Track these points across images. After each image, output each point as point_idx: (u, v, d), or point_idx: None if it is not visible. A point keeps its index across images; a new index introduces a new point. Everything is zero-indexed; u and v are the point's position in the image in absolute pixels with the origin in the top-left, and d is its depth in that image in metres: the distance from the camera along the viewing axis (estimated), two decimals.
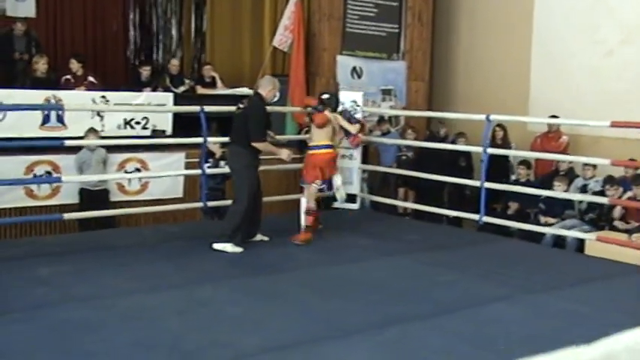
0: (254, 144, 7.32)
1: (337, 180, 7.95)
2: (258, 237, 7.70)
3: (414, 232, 8.49)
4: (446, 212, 9.48)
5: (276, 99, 7.76)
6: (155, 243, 7.61)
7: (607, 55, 10.87)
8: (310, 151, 8.03)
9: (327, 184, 7.95)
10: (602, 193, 8.92)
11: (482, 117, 8.64)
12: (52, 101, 9.31)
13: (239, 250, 7.24)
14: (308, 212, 7.77)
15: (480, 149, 8.73)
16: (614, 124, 7.82)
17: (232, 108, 7.91)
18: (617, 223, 8.82)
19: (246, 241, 7.42)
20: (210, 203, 8.57)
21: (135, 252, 7.19)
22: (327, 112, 8.10)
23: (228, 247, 7.23)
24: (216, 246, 7.25)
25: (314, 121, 8.18)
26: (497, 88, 12.29)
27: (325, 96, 8.38)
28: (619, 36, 10.76)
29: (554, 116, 10.12)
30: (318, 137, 7.99)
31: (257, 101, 7.53)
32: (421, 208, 9.72)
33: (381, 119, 11.49)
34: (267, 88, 7.56)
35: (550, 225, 9.17)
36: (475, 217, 8.64)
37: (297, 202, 8.08)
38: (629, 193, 8.74)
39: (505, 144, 10.61)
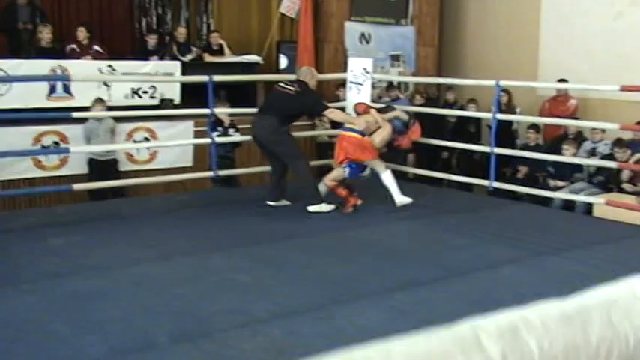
0: (330, 115, 8.03)
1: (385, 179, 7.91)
2: (283, 202, 7.94)
3: (424, 197, 8.47)
4: (456, 178, 9.45)
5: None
6: (165, 212, 7.63)
7: (617, 17, 10.77)
8: (340, 132, 8.10)
9: (359, 169, 7.91)
10: (610, 156, 8.89)
11: (492, 82, 8.56)
12: (58, 71, 9.30)
13: (332, 207, 7.68)
14: (332, 190, 7.82)
15: (488, 115, 8.68)
16: (624, 88, 7.72)
17: (241, 76, 7.99)
18: (625, 186, 8.79)
19: (271, 205, 7.83)
20: (220, 172, 8.58)
21: (145, 221, 7.22)
22: (372, 110, 8.27)
23: (324, 206, 7.64)
24: (312, 208, 7.61)
25: (355, 107, 8.55)
26: (507, 52, 12.21)
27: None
28: None
29: (562, 80, 10.06)
30: (353, 123, 8.04)
31: (307, 86, 7.93)
32: (431, 174, 9.67)
33: (390, 85, 11.43)
34: (311, 78, 8.01)
35: (559, 188, 9.16)
36: (485, 182, 8.62)
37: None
38: (638, 156, 8.71)
39: (509, 109, 10.57)
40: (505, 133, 9.98)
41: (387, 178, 7.72)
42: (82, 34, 10.34)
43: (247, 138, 8.39)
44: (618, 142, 8.92)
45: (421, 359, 2.00)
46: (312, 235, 6.79)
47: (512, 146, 9.76)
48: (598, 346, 2.28)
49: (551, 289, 5.11)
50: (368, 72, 9.66)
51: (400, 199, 7.63)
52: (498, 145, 8.50)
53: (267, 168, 9.45)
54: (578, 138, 9.75)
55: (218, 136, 8.72)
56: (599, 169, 9.12)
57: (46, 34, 10.06)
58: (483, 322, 2.22)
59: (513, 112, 10.52)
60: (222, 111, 8.81)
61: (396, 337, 2.03)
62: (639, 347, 2.36)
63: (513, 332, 2.18)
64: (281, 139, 7.72)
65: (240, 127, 9.05)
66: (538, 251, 6.19)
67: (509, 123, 10.29)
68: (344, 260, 5.92)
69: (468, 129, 10.74)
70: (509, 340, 2.13)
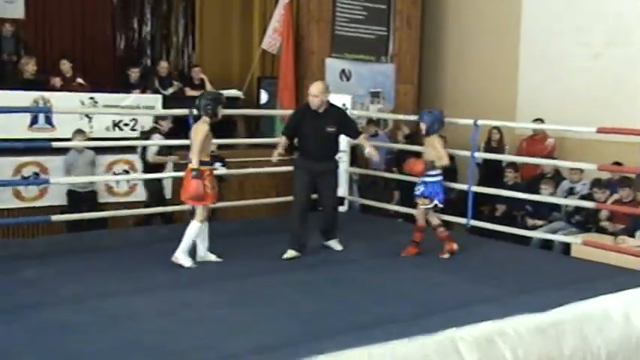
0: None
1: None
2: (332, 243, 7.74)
3: (402, 234, 8.50)
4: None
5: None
6: (143, 244, 7.61)
7: (594, 57, 10.93)
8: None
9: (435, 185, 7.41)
10: (589, 196, 8.95)
11: (470, 122, 8.59)
12: (41, 102, 9.31)
13: (340, 247, 7.56)
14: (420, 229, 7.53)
15: (467, 153, 8.72)
16: (601, 130, 7.77)
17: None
18: (604, 224, 8.87)
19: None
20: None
21: (122, 254, 7.19)
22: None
23: (338, 243, 7.58)
24: (332, 243, 7.58)
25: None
26: (486, 91, 12.34)
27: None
28: (605, 38, 10.82)
29: (539, 119, 10.18)
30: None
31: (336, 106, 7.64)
32: (409, 211, 9.70)
33: (370, 121, 11.53)
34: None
35: (538, 227, 9.22)
36: (463, 220, 8.65)
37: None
38: (616, 196, 8.80)
39: (501, 147, 10.69)
40: (494, 171, 10.10)
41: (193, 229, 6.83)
42: (65, 66, 10.39)
43: (234, 171, 8.38)
44: (597, 183, 9.00)
45: None
46: (288, 270, 6.79)
47: (500, 184, 9.74)
48: (571, 358, 2.32)
49: None
50: (347, 108, 9.73)
51: (181, 255, 6.75)
52: (486, 182, 8.52)
53: (246, 202, 9.50)
54: (556, 177, 9.84)
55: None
56: (578, 209, 9.19)
57: (30, 66, 10.10)
58: (461, 332, 2.26)
59: (504, 151, 10.66)
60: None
61: None
62: None
63: (490, 342, 2.22)
64: (334, 169, 7.60)
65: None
66: (515, 290, 6.22)
67: (499, 161, 10.31)
68: (320, 296, 5.93)
69: None
70: (486, 349, 2.17)
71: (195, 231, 6.78)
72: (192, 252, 6.86)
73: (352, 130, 7.76)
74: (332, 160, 7.48)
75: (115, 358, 4.46)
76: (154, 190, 9.17)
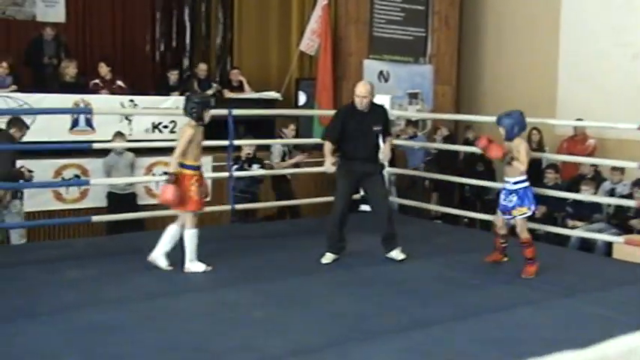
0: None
1: None
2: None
3: (441, 236, 8.46)
4: (472, 215, 9.44)
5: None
6: (181, 246, 7.63)
7: (633, 58, 10.79)
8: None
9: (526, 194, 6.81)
10: (630, 197, 8.83)
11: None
12: (81, 105, 9.42)
13: (403, 256, 7.18)
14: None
15: None
16: None
17: (260, 111, 7.89)
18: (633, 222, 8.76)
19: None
20: (239, 206, 8.60)
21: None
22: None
23: (400, 253, 7.20)
24: (393, 254, 7.18)
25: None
26: (525, 90, 12.22)
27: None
28: None
29: (579, 119, 10.07)
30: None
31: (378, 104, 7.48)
32: (448, 210, 9.66)
33: (408, 122, 11.49)
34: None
35: (577, 228, 9.11)
36: None
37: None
38: None
39: (541, 147, 10.59)
40: (535, 172, 9.97)
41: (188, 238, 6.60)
42: (102, 69, 10.49)
43: (272, 172, 8.38)
44: (638, 182, 8.88)
45: None
46: (326, 271, 6.78)
47: (541, 185, 9.62)
48: None
49: (570, 332, 5.09)
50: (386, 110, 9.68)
51: (190, 265, 6.58)
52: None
53: (286, 202, 9.52)
54: (597, 178, 9.72)
55: (237, 170, 8.77)
56: (619, 210, 9.06)
57: (71, 69, 10.24)
58: None
59: (544, 151, 10.56)
60: (246, 143, 8.89)
61: None
62: None
63: None
64: (378, 173, 7.39)
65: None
66: (556, 293, 6.14)
67: (539, 162, 10.20)
68: (359, 297, 5.90)
69: (477, 168, 10.77)
70: None
71: (193, 239, 6.54)
72: (200, 256, 6.67)
73: (388, 130, 7.52)
74: (377, 162, 7.28)
75: (155, 359, 4.47)
76: (285, 190, 9.47)
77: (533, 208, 6.81)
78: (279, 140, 10.19)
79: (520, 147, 6.78)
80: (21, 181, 7.93)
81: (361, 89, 7.13)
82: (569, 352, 2.44)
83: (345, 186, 7.21)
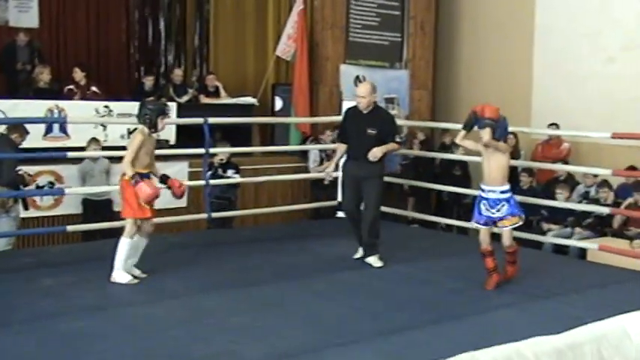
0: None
1: None
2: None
3: (419, 240, 8.48)
4: (447, 221, 9.50)
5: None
6: (158, 253, 7.58)
7: (608, 62, 10.88)
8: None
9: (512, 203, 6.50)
10: (600, 199, 8.98)
11: None
12: (55, 111, 9.35)
13: (380, 264, 7.10)
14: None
15: (479, 159, 8.64)
16: (615, 136, 7.75)
17: (236, 119, 7.85)
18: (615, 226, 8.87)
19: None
20: (215, 214, 8.56)
21: (138, 262, 7.18)
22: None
23: (377, 260, 7.12)
24: (370, 260, 7.13)
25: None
26: (500, 95, 12.22)
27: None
28: (620, 42, 10.77)
29: (554, 124, 10.15)
30: None
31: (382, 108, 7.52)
32: (424, 217, 9.70)
33: None
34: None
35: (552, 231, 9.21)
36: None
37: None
38: (630, 200, 8.76)
39: (516, 152, 10.64)
40: (511, 176, 10.01)
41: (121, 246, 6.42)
42: (77, 74, 10.39)
43: (247, 179, 8.36)
44: (603, 183, 9.03)
45: None
46: (305, 277, 6.76)
47: (516, 188, 9.62)
48: None
49: (546, 333, 5.11)
50: None
51: (116, 274, 6.36)
52: None
53: (262, 210, 9.50)
54: (570, 181, 9.81)
55: (211, 176, 8.74)
56: (591, 212, 9.14)
57: (45, 75, 10.16)
58: (480, 354, 2.25)
59: (519, 156, 10.60)
60: (222, 150, 8.85)
61: None
62: None
63: None
64: (372, 177, 7.23)
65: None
66: (532, 295, 6.19)
67: (514, 165, 10.21)
68: (337, 302, 5.90)
69: (453, 172, 10.80)
70: None
71: (125, 247, 6.35)
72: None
73: (389, 136, 7.17)
74: (374, 165, 7.04)
75: None
76: (323, 193, 9.56)
77: (523, 216, 6.47)
78: (256, 148, 10.21)
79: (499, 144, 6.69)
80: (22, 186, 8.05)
81: (360, 89, 7.16)
82: (545, 337, 2.48)
83: (347, 188, 7.28)
